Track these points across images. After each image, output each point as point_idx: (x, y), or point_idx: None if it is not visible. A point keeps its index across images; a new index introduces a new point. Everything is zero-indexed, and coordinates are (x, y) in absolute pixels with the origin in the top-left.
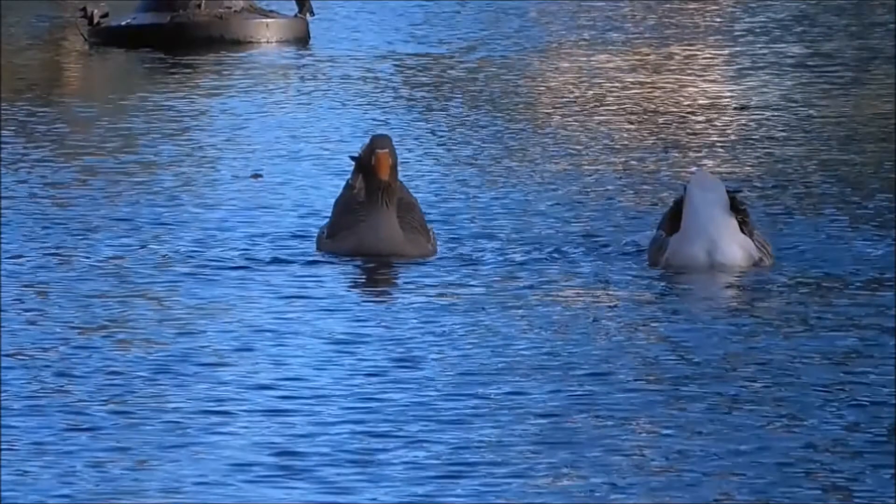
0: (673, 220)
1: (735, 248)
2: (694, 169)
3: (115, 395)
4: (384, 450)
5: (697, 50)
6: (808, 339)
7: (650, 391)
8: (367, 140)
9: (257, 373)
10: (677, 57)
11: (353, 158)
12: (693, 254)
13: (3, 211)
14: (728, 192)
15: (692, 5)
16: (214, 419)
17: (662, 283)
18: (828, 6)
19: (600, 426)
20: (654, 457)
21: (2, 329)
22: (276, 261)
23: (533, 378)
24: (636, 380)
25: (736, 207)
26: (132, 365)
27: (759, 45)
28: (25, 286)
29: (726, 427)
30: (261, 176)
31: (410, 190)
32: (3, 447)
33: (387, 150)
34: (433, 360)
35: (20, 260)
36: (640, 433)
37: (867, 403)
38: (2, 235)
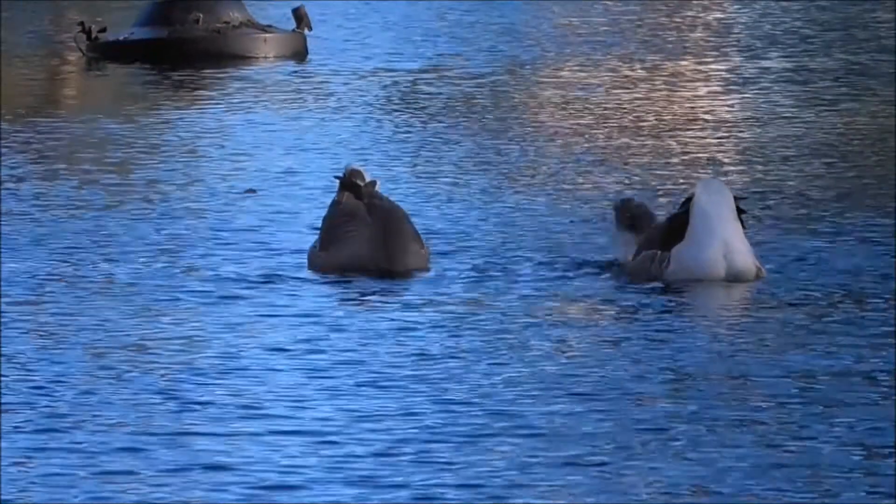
0: (670, 235)
1: (748, 254)
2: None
3: (109, 416)
4: (389, 471)
5: (684, 66)
6: (801, 357)
7: (645, 410)
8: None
9: (258, 393)
10: (665, 72)
11: (337, 178)
12: (709, 259)
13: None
14: (735, 197)
15: (677, 21)
16: (215, 441)
17: (653, 300)
18: (814, 22)
19: (592, 446)
20: (646, 476)
21: (2, 345)
22: (269, 277)
23: (528, 397)
24: (628, 398)
25: (739, 211)
26: (128, 386)
27: (746, 61)
28: (18, 303)
29: (717, 447)
30: (255, 192)
31: (401, 205)
32: (9, 464)
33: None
34: (436, 378)
35: (14, 278)
36: (632, 452)
37: (863, 423)
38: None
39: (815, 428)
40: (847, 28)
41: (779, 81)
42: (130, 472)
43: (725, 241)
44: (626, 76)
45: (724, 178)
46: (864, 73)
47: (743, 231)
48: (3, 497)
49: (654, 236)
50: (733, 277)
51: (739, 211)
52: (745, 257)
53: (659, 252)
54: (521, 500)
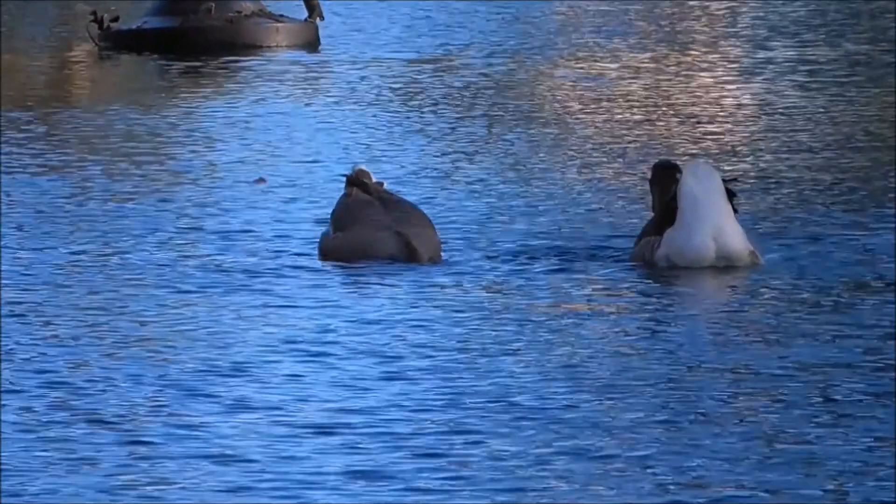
0: (664, 220)
1: (739, 236)
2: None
3: (120, 408)
4: (402, 465)
5: (691, 56)
6: (806, 349)
7: (649, 403)
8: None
9: (270, 385)
10: (671, 62)
11: (344, 176)
12: (699, 243)
13: (8, 217)
14: (723, 180)
15: (683, 11)
16: (228, 433)
17: (650, 288)
18: (820, 12)
19: (599, 439)
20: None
21: (12, 336)
22: (281, 267)
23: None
24: (633, 391)
25: (730, 197)
26: (140, 377)
27: (752, 51)
28: (31, 293)
29: (721, 439)
30: (265, 181)
31: (413, 194)
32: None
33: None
34: (448, 369)
35: (29, 268)
36: (629, 446)
37: (869, 416)
38: (5, 241)
39: (823, 421)
40: (852, 18)
41: (784, 71)
42: (141, 467)
43: (714, 223)
44: (633, 66)
45: (728, 169)
46: (868, 64)
47: (734, 214)
48: (11, 489)
49: (653, 222)
50: (725, 261)
51: (730, 194)
52: (736, 240)
53: (653, 237)
54: (530, 494)
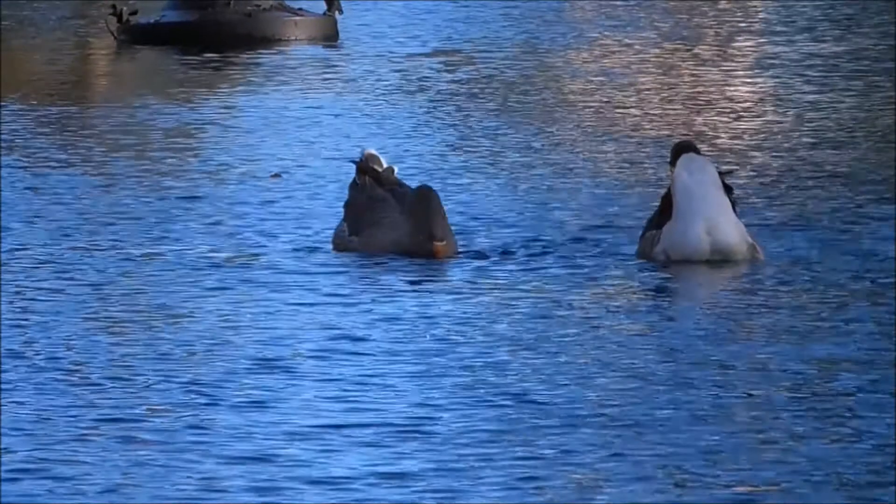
0: (662, 214)
1: (734, 229)
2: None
3: (138, 407)
4: (417, 464)
5: (701, 50)
6: (804, 345)
7: (654, 398)
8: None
9: (294, 386)
10: (683, 56)
11: (354, 162)
12: (693, 236)
13: (30, 212)
14: (719, 172)
15: (695, 5)
16: (248, 433)
17: (651, 283)
18: (831, 7)
19: (605, 435)
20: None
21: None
22: (299, 263)
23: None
24: (639, 387)
25: (726, 189)
26: (159, 377)
27: (763, 45)
28: (51, 290)
29: (727, 437)
30: (281, 176)
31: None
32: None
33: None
34: (463, 366)
35: (51, 264)
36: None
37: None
38: (5, 235)
39: (828, 418)
40: (863, 13)
41: (796, 66)
42: (166, 466)
43: (708, 217)
44: (645, 60)
45: (732, 164)
46: (879, 59)
47: (732, 208)
48: (27, 488)
49: (655, 216)
50: (721, 255)
51: (727, 188)
52: (732, 233)
53: (654, 231)
54: (544, 494)
